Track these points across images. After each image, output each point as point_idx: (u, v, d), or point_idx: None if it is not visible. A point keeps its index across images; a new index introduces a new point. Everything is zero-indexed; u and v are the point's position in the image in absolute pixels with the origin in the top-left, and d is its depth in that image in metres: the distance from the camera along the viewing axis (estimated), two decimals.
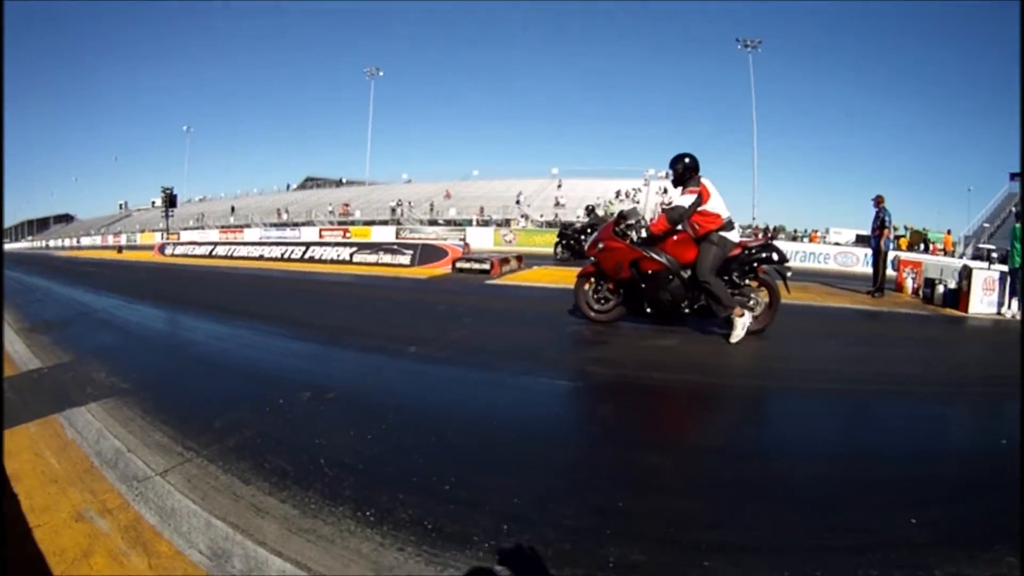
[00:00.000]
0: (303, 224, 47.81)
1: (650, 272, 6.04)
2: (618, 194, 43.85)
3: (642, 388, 4.34)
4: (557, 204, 42.90)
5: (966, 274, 10.40)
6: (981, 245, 33.37)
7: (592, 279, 6.76)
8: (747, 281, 6.16)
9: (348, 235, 37.83)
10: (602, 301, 6.70)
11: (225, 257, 22.00)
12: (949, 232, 34.56)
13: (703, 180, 6.00)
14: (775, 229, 38.02)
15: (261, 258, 20.31)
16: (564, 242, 19.17)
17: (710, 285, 5.79)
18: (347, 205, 51.51)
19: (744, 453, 3.09)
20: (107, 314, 8.24)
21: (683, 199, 5.94)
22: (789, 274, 6.38)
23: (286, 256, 19.59)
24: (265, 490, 2.49)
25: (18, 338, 6.27)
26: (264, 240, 33.21)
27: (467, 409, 3.89)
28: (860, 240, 30.71)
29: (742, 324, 5.78)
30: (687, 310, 6.12)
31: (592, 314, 6.73)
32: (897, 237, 28.32)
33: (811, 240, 34.40)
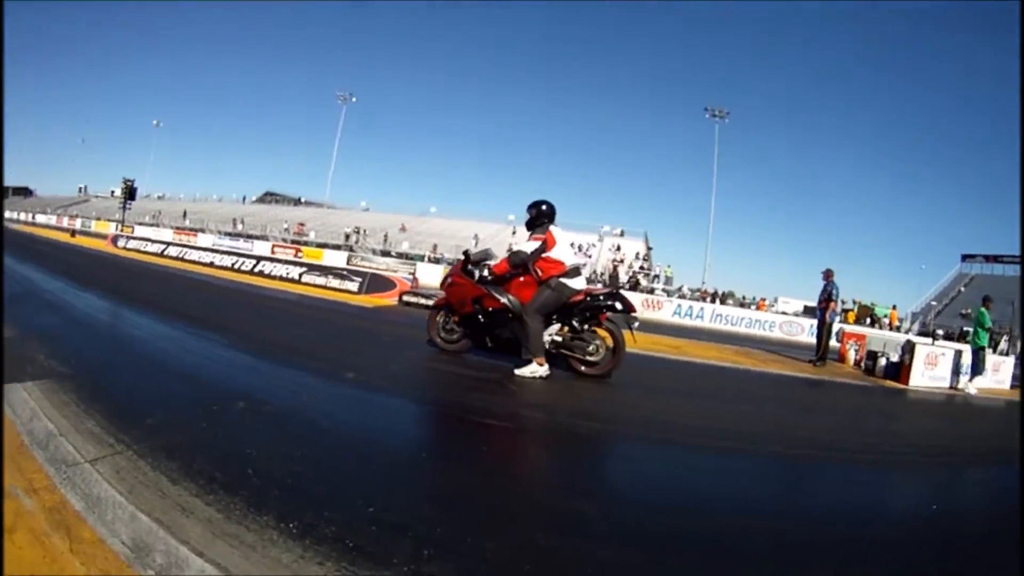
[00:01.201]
0: (257, 237, 47.82)
1: (491, 309, 6.47)
2: (572, 246, 44.42)
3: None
4: (510, 251, 43.22)
5: (909, 348, 11.04)
6: (928, 321, 34.75)
7: (443, 311, 7.21)
8: (587, 327, 6.50)
9: (300, 255, 37.77)
10: (451, 332, 7.13)
11: (176, 259, 21.74)
12: (895, 307, 36.14)
13: (551, 228, 6.43)
14: (724, 294, 38.90)
15: (211, 265, 20.09)
16: None
17: (527, 324, 6.18)
18: (302, 225, 51.76)
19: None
20: (54, 296, 8.17)
21: (527, 244, 6.40)
22: (636, 324, 6.76)
23: (236, 267, 19.42)
24: (192, 491, 2.56)
25: None
26: (217, 247, 32.89)
27: (399, 438, 4.04)
28: (808, 311, 32.03)
29: (531, 371, 6.11)
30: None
31: (440, 343, 7.16)
32: (844, 311, 29.37)
33: (759, 308, 35.35)
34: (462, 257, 6.99)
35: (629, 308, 6.51)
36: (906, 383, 10.59)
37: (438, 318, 7.27)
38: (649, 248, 47.38)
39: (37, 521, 2.25)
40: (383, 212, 58.77)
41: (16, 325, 5.67)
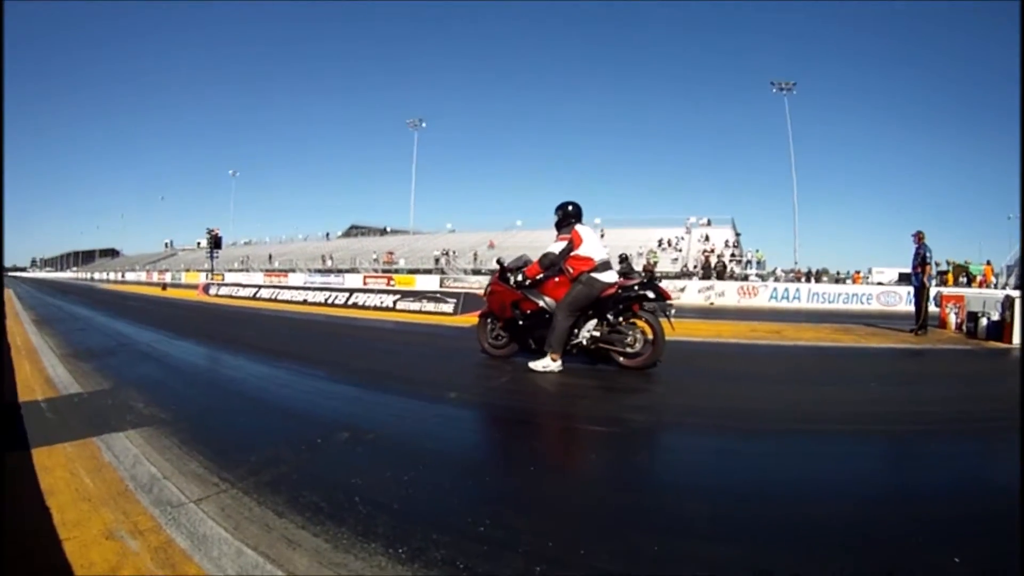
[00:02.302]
0: (347, 271, 48.79)
1: (529, 312, 6.80)
2: (660, 242, 43.97)
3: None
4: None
5: (1008, 304, 10.31)
6: None
7: (489, 319, 7.57)
8: (623, 320, 6.59)
9: (392, 283, 38.32)
10: (498, 338, 7.49)
11: (269, 300, 22.48)
12: (989, 263, 33.75)
13: (577, 227, 6.63)
14: (818, 272, 37.47)
15: (305, 302, 20.65)
16: None
17: (555, 319, 6.41)
18: (391, 253, 52.56)
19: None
20: (149, 347, 8.46)
21: (555, 246, 6.63)
22: (673, 311, 6.71)
23: (329, 301, 19.86)
24: (298, 523, 2.48)
25: (60, 363, 6.48)
26: (308, 285, 33.79)
27: (504, 452, 3.97)
28: (903, 278, 30.61)
29: (544, 364, 6.36)
30: (571, 348, 6.64)
31: (490, 350, 7.53)
32: (940, 273, 27.90)
33: (854, 281, 33.96)
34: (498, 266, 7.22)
35: (663, 296, 6.54)
36: (1009, 342, 9.90)
37: (487, 326, 7.62)
38: (738, 234, 46.07)
39: (143, 561, 2.19)
40: (469, 232, 59.44)
41: (112, 376, 5.87)
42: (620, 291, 6.53)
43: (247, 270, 56.81)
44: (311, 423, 4.30)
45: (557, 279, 6.71)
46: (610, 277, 6.50)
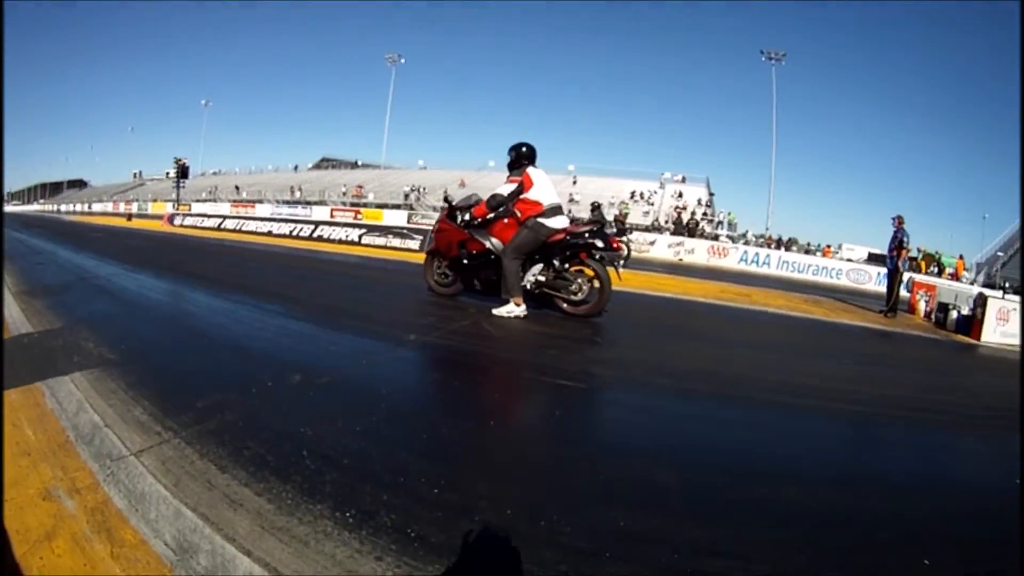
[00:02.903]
0: (315, 203, 48.25)
1: (474, 252, 6.80)
2: (633, 195, 44.07)
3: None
4: (571, 200, 43.14)
5: (981, 302, 10.56)
6: (994, 272, 33.58)
7: (435, 258, 7.61)
8: (569, 266, 6.64)
9: (359, 217, 37.89)
10: (444, 276, 7.55)
11: (233, 231, 22.20)
12: (962, 257, 34.83)
13: (529, 170, 6.58)
14: (788, 241, 37.97)
15: (270, 234, 20.46)
16: None
17: (504, 264, 6.40)
18: (360, 187, 52.06)
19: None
20: (106, 281, 8.22)
21: (504, 187, 6.59)
22: (622, 262, 6.83)
23: (294, 233, 19.71)
24: (241, 479, 2.41)
25: (15, 302, 6.26)
26: (274, 216, 33.32)
27: (464, 405, 3.85)
28: (872, 258, 31.43)
29: (507, 310, 6.39)
30: None
31: (436, 288, 7.63)
32: (911, 258, 28.47)
33: (824, 254, 34.50)
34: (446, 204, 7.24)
35: (612, 246, 6.54)
36: (978, 338, 10.17)
37: (433, 264, 7.67)
38: (711, 194, 46.52)
39: (79, 524, 2.12)
40: (441, 169, 59.07)
41: (65, 314, 5.70)
42: (568, 238, 6.52)
43: (215, 200, 55.68)
44: (264, 364, 4.20)
45: (506, 220, 6.71)
46: (558, 223, 6.50)
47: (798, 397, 4.59)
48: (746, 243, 34.60)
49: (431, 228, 7.71)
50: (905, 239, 12.24)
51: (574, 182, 48.93)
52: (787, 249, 34.29)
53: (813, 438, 3.83)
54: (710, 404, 4.22)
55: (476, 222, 6.80)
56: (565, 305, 6.67)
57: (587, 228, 6.69)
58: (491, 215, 6.75)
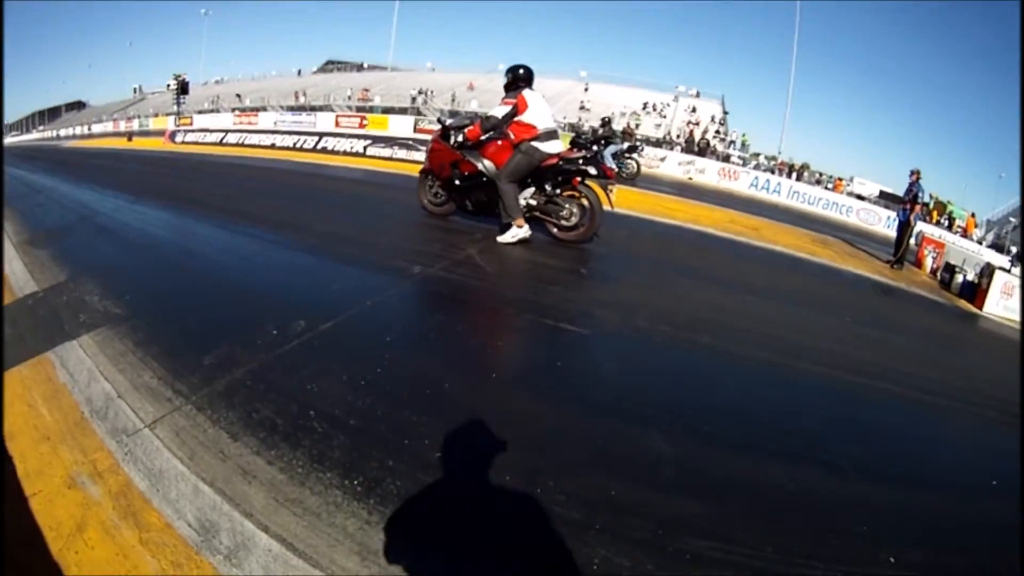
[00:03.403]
0: (320, 109, 46.93)
1: (467, 173, 6.82)
2: (645, 106, 42.89)
3: None
4: (583, 108, 42.04)
5: (988, 272, 10.56)
6: (1004, 234, 32.93)
7: (429, 177, 7.71)
8: (560, 192, 6.70)
9: (365, 123, 36.99)
10: (437, 195, 7.69)
11: (236, 145, 22.01)
12: (973, 215, 33.87)
13: (524, 92, 6.54)
14: (800, 167, 36.87)
15: (273, 147, 20.28)
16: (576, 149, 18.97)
17: (501, 189, 6.43)
18: (367, 91, 50.59)
19: None
20: (108, 218, 8.20)
21: (498, 109, 6.56)
22: (613, 188, 6.81)
23: (298, 146, 19.55)
24: (253, 447, 2.53)
25: (16, 254, 6.29)
26: (277, 128, 32.78)
27: (469, 351, 3.94)
28: (883, 196, 30.84)
29: (512, 234, 6.48)
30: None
31: (429, 207, 7.82)
32: (924, 205, 28.05)
33: (835, 188, 33.59)
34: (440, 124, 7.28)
35: (606, 173, 6.53)
36: (980, 307, 10.18)
37: (427, 183, 7.80)
38: (725, 112, 44.72)
39: (105, 512, 2.25)
40: (450, 72, 56.87)
41: (69, 264, 5.71)
42: (561, 163, 6.52)
43: (217, 110, 54.35)
44: (268, 308, 4.23)
45: (500, 143, 6.67)
46: (552, 147, 6.50)
47: (799, 359, 4.53)
48: (757, 167, 33.70)
49: (427, 145, 7.63)
50: (920, 193, 12.46)
51: (586, 89, 47.25)
52: (799, 177, 33.47)
53: (809, 411, 3.77)
54: (711, 361, 4.21)
55: (469, 144, 6.79)
56: (555, 230, 6.79)
57: (580, 155, 6.66)
58: (484, 137, 6.72)
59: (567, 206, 6.65)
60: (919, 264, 13.78)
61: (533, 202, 6.73)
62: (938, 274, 12.41)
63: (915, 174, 12.47)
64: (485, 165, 6.66)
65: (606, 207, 6.67)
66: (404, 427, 2.69)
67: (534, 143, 6.40)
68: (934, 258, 13.31)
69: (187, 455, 2.51)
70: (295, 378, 3.15)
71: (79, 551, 2.08)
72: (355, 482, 2.28)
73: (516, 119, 6.48)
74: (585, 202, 6.64)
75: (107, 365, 3.42)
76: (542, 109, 6.59)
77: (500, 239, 6.52)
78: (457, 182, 6.97)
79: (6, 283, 5.29)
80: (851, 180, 36.55)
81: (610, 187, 6.71)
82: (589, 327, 4.51)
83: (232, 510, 2.18)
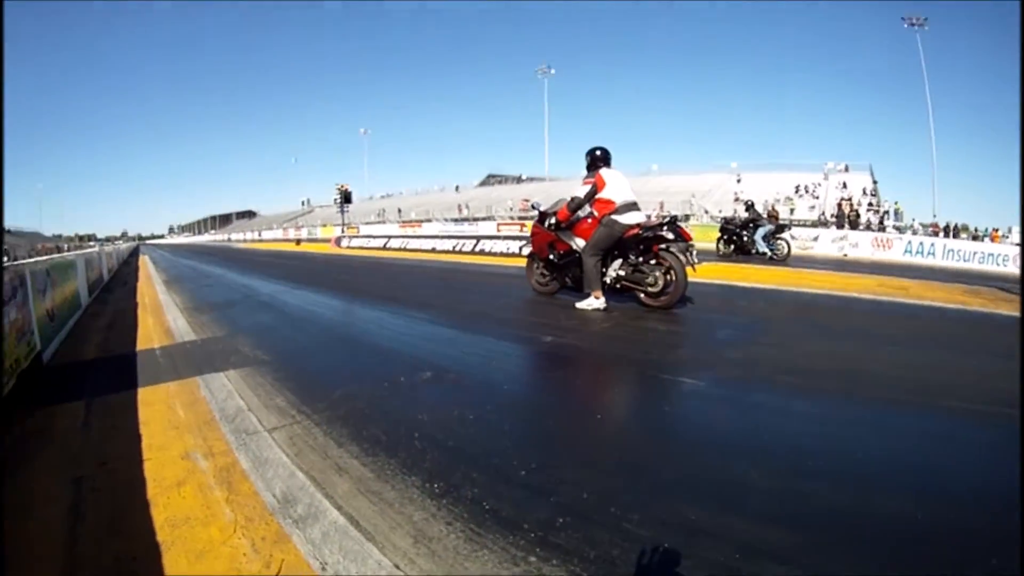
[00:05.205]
0: (482, 219, 49.40)
1: (562, 252, 7.67)
2: (797, 189, 42.43)
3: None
4: (736, 199, 41.80)
5: None
6: None
7: (535, 260, 8.52)
8: (644, 260, 6.95)
9: (524, 229, 38.48)
10: (543, 276, 8.42)
11: (398, 249, 23.54)
12: None
13: (602, 171, 7.15)
14: (956, 228, 34.42)
15: (433, 251, 21.43)
16: (725, 237, 19.37)
17: (584, 261, 7.04)
18: (527, 200, 52.86)
19: None
20: (269, 298, 9.36)
21: (580, 190, 7.25)
22: (695, 252, 6.87)
23: (457, 248, 20.53)
24: (353, 453, 2.80)
25: (181, 315, 7.26)
26: (438, 234, 34.67)
27: (576, 398, 3.96)
28: None
29: (588, 303, 6.96)
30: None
31: (537, 287, 8.52)
32: None
33: (992, 239, 30.84)
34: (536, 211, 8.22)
35: (683, 236, 6.82)
36: None
37: (534, 266, 8.61)
38: (875, 182, 43.57)
39: (206, 477, 2.64)
40: None
41: (227, 325, 6.61)
42: (641, 232, 6.96)
43: (383, 222, 59.02)
44: (401, 363, 4.60)
45: (588, 221, 7.33)
46: (631, 219, 6.96)
47: (931, 396, 4.18)
48: (914, 232, 32.06)
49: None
50: None
51: (738, 180, 47.49)
52: (955, 236, 31.44)
53: (939, 449, 3.46)
54: (833, 404, 3.95)
55: (562, 225, 7.52)
56: (644, 296, 7.03)
57: (659, 223, 7.04)
58: (573, 217, 7.42)
59: (651, 273, 6.91)
60: None
61: (622, 273, 7.10)
62: None
63: None
64: (577, 243, 7.38)
65: (688, 270, 6.82)
66: (497, 450, 2.83)
67: (614, 216, 6.93)
68: None
69: (294, 452, 2.84)
70: (409, 410, 3.43)
71: (170, 496, 2.47)
72: (435, 485, 2.45)
73: (597, 196, 7.08)
74: (668, 267, 6.87)
75: (245, 390, 3.97)
76: (620, 184, 7.13)
77: (578, 305, 7.01)
78: (554, 259, 7.76)
79: (167, 333, 6.06)
80: (1009, 231, 33.38)
81: (692, 251, 6.86)
82: (706, 379, 4.35)
83: (316, 491, 2.44)
